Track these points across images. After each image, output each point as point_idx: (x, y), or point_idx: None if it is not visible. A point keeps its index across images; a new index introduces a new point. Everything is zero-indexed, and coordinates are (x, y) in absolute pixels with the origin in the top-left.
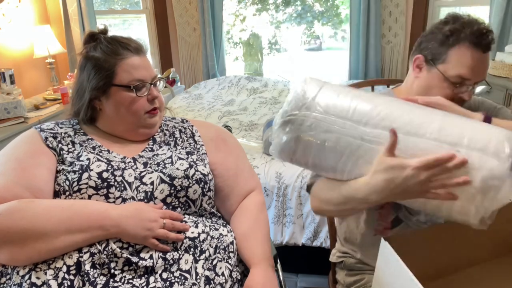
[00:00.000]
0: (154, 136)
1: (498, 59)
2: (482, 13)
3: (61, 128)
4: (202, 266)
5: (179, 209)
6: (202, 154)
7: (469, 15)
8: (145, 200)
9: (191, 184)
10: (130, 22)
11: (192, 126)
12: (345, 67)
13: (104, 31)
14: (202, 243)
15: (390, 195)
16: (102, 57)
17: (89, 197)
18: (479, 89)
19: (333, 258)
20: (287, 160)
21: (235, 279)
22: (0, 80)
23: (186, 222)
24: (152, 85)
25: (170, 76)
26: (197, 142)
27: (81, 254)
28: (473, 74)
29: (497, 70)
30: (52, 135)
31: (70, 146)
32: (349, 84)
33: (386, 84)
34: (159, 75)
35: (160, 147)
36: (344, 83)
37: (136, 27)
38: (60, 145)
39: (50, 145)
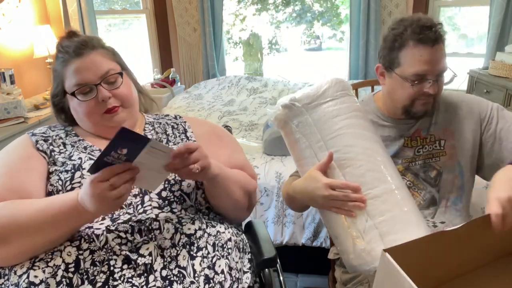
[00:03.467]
0: (145, 133)
1: (498, 59)
2: (482, 13)
3: (53, 131)
4: (200, 264)
5: (175, 203)
6: None
7: (413, 15)
8: (140, 195)
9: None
10: (130, 22)
11: (185, 122)
12: (345, 67)
13: (69, 34)
14: (198, 240)
15: (306, 199)
16: (56, 66)
17: None
18: (447, 78)
19: (331, 255)
20: (277, 128)
21: (234, 277)
22: (0, 80)
23: (182, 218)
24: (102, 84)
25: (170, 76)
26: (189, 138)
27: (80, 252)
28: (428, 68)
29: (497, 70)
30: (43, 138)
31: (61, 147)
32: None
33: None
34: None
35: None
36: None
37: (136, 27)
38: (51, 147)
39: (40, 148)
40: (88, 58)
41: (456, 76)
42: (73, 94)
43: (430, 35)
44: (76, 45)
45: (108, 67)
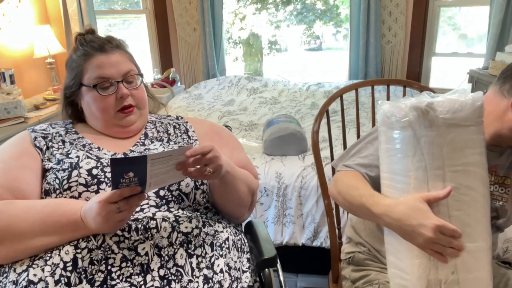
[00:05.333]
0: (146, 131)
1: (498, 59)
2: (482, 13)
3: (53, 128)
4: (198, 263)
5: (172, 203)
6: None
7: None
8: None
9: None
10: (130, 22)
11: (187, 122)
12: (345, 67)
13: (87, 32)
14: (195, 238)
15: (398, 228)
16: (75, 58)
17: (79, 194)
18: None
19: (342, 255)
20: (381, 125)
21: (233, 276)
22: (0, 80)
23: (179, 216)
24: (123, 82)
25: (170, 76)
26: (191, 138)
27: (78, 250)
28: None
29: (497, 70)
30: (43, 135)
31: (60, 144)
32: (348, 84)
33: (386, 84)
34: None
35: (152, 142)
36: (344, 83)
37: (136, 27)
38: (50, 143)
39: (37, 145)
40: (113, 55)
41: None
42: (94, 87)
43: None
44: (103, 41)
45: (129, 67)
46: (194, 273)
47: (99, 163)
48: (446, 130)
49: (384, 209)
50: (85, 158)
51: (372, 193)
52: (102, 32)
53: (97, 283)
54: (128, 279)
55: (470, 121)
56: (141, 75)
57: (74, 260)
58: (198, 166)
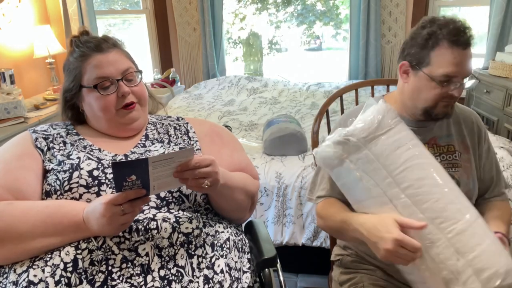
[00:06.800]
0: (147, 132)
1: (498, 59)
2: (482, 13)
3: (54, 129)
4: (199, 264)
5: (173, 204)
6: (196, 150)
7: (444, 16)
8: None
9: None
10: (130, 22)
11: (187, 123)
12: (345, 67)
13: (82, 33)
14: (196, 239)
15: (368, 241)
16: (72, 60)
17: (80, 196)
18: (469, 84)
19: (332, 256)
20: (325, 168)
21: (233, 277)
22: (0, 80)
23: (180, 217)
24: (123, 80)
25: (170, 76)
26: (192, 139)
27: (78, 251)
28: (458, 70)
29: (497, 70)
30: (44, 136)
31: (61, 145)
32: (348, 84)
33: (386, 84)
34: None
35: (153, 143)
36: (344, 83)
37: (136, 27)
38: (51, 144)
39: (38, 146)
40: (110, 54)
41: (479, 82)
42: (95, 87)
43: (464, 38)
44: (99, 40)
45: (128, 65)
46: (194, 274)
47: (100, 164)
48: (370, 145)
49: (358, 223)
50: (86, 160)
51: (344, 214)
52: (102, 32)
53: (97, 284)
54: (129, 280)
55: (385, 127)
56: (140, 72)
57: (75, 260)
58: (198, 178)
